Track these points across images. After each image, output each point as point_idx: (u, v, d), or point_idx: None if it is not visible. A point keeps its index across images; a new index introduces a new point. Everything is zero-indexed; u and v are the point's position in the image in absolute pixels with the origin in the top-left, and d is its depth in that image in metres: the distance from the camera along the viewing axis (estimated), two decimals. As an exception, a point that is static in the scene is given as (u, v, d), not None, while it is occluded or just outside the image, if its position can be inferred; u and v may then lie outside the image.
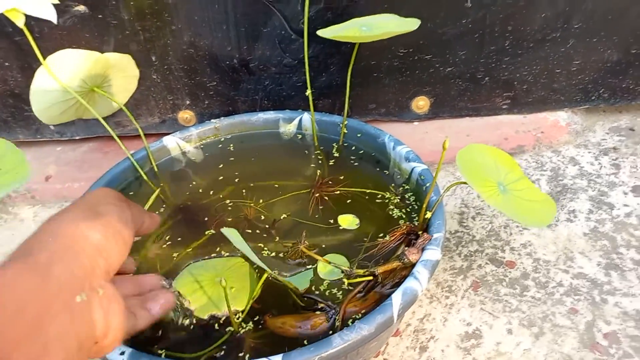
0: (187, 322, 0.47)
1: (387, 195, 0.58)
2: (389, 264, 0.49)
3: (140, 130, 0.66)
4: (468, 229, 0.65)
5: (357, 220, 0.56)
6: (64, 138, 0.87)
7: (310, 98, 0.65)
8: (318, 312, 0.47)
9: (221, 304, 0.48)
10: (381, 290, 0.49)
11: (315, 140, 0.69)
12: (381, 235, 0.53)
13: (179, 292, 0.48)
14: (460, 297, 0.57)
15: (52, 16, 0.48)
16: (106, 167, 0.83)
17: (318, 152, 0.68)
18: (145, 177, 0.65)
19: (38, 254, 0.30)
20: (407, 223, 0.52)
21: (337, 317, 0.47)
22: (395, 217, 0.55)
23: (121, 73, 0.60)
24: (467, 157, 0.48)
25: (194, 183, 0.64)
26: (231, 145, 0.70)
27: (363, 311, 0.47)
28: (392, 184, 0.60)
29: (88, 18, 0.73)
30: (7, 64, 0.77)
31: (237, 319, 0.47)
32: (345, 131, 0.67)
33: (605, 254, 0.60)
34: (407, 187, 0.59)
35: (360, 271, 0.49)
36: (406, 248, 0.49)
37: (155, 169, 0.67)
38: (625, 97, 0.81)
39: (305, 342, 0.45)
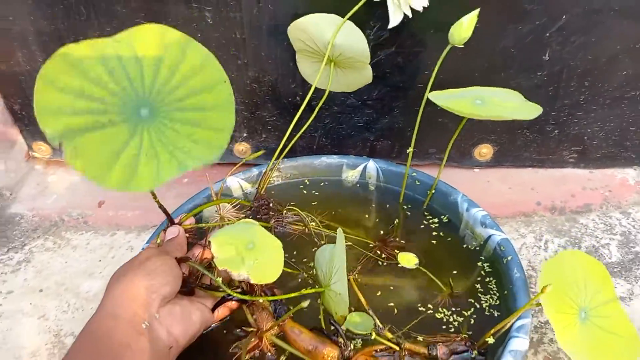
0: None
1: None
2: (416, 346, 0.47)
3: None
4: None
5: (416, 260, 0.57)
6: (116, 161, 0.86)
7: (410, 155, 0.63)
8: (334, 344, 0.47)
9: (239, 265, 0.44)
10: None
11: (401, 197, 0.66)
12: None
13: (209, 243, 0.47)
14: (532, 375, 0.55)
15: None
16: (159, 195, 0.82)
17: (386, 205, 0.66)
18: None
19: (108, 303, 0.43)
20: (464, 336, 0.49)
21: None
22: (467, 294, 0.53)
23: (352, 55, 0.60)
24: (555, 270, 0.43)
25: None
26: (293, 187, 0.69)
27: None
28: (465, 245, 0.58)
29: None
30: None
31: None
32: (417, 183, 0.65)
33: (685, 336, 0.57)
34: (481, 252, 0.57)
35: (389, 334, 0.47)
36: (441, 342, 0.47)
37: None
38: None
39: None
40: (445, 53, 0.56)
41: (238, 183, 0.67)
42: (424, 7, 0.55)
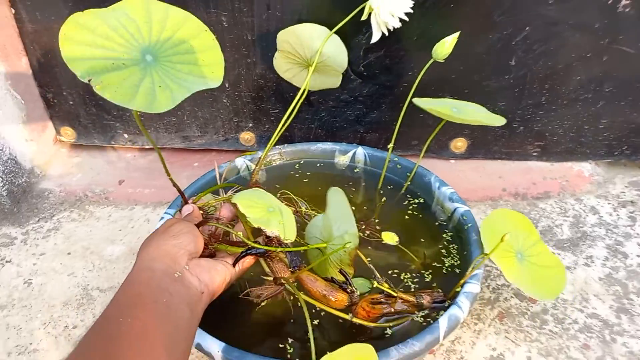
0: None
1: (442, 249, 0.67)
2: (409, 295, 0.57)
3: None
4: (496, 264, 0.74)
5: (397, 237, 0.66)
6: (135, 146, 0.97)
7: (390, 150, 0.74)
8: (344, 292, 0.56)
9: (270, 224, 0.52)
10: (386, 309, 0.56)
11: (380, 182, 0.77)
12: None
13: (235, 204, 0.54)
14: (487, 324, 0.66)
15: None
16: (174, 176, 0.93)
17: (371, 186, 0.77)
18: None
19: (143, 261, 0.49)
20: (438, 290, 0.59)
21: (353, 307, 0.56)
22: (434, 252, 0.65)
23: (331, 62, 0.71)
24: (491, 225, 0.55)
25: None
26: (292, 169, 0.80)
27: (368, 315, 0.56)
28: (436, 222, 0.69)
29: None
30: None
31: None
32: (399, 167, 0.76)
33: (617, 298, 0.68)
34: (448, 224, 0.68)
35: (386, 285, 0.57)
36: (425, 294, 0.58)
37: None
38: (645, 155, 0.90)
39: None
40: (428, 66, 0.66)
41: (244, 163, 0.78)
42: (407, 19, 0.65)
